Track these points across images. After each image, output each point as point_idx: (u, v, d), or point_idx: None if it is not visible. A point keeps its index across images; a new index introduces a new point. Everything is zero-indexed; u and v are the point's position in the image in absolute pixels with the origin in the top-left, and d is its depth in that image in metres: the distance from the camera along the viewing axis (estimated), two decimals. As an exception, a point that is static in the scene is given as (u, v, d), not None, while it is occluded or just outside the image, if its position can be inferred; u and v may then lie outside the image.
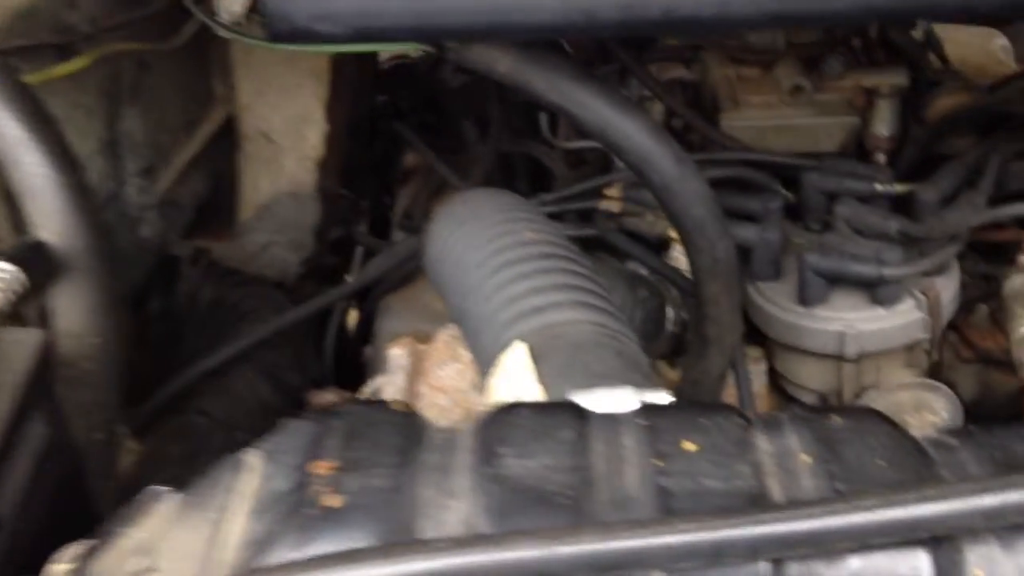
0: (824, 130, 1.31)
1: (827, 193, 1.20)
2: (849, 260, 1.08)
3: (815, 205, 1.21)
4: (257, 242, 1.37)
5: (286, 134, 1.29)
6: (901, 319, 1.09)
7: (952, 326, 1.23)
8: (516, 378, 0.60)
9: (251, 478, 0.50)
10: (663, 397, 0.56)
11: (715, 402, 0.58)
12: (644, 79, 1.37)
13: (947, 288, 1.11)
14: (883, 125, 1.31)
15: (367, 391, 1.03)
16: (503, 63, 0.88)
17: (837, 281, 1.11)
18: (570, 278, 0.69)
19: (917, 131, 1.32)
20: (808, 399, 1.21)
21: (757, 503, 0.43)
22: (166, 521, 0.54)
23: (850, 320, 1.10)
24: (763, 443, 0.47)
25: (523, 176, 1.47)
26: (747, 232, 1.17)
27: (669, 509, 0.42)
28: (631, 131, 0.91)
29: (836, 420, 0.48)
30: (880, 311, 1.10)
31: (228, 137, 1.29)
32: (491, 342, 0.66)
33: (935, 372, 1.23)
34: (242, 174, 1.32)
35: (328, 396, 1.11)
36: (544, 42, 0.88)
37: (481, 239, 0.72)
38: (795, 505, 0.41)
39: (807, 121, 1.31)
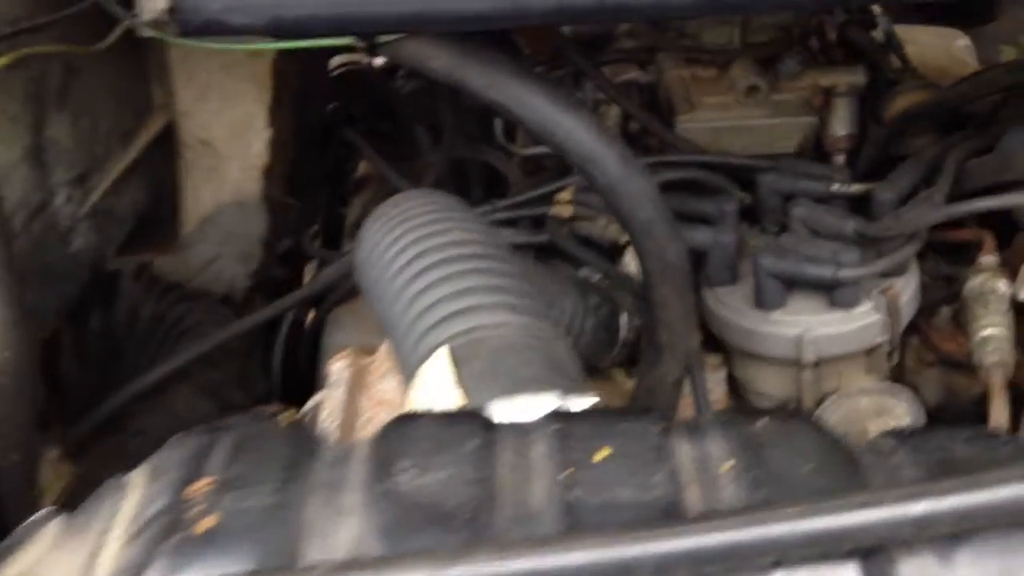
0: (781, 131, 1.28)
1: (783, 194, 1.17)
2: (805, 262, 1.05)
3: (771, 207, 1.18)
4: (202, 255, 1.32)
5: (229, 142, 1.25)
6: (859, 322, 1.06)
7: (914, 329, 1.20)
8: (436, 386, 0.57)
9: (133, 498, 0.45)
10: (588, 402, 0.53)
11: (636, 406, 0.54)
12: (598, 81, 1.34)
13: (906, 289, 1.08)
14: (841, 125, 1.28)
15: (308, 407, 0.99)
16: (438, 59, 0.85)
17: (794, 284, 1.08)
18: (498, 280, 0.65)
19: (876, 131, 1.30)
20: (769, 407, 1.18)
21: (672, 514, 0.39)
22: (48, 547, 0.50)
23: (808, 324, 1.07)
24: (683, 449, 0.43)
25: (478, 182, 1.44)
26: (702, 235, 1.14)
27: (576, 523, 0.39)
28: (574, 130, 0.88)
29: (762, 424, 0.44)
30: (838, 314, 1.06)
31: (168, 145, 1.24)
32: (413, 349, 0.62)
33: (897, 376, 1.20)
34: (184, 184, 1.27)
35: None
36: (483, 37, 0.85)
37: (406, 241, 0.68)
38: (711, 516, 0.38)
39: (764, 122, 1.28)
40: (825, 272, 1.04)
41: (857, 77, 1.27)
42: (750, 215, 1.21)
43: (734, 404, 1.21)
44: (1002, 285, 1.05)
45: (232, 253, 1.33)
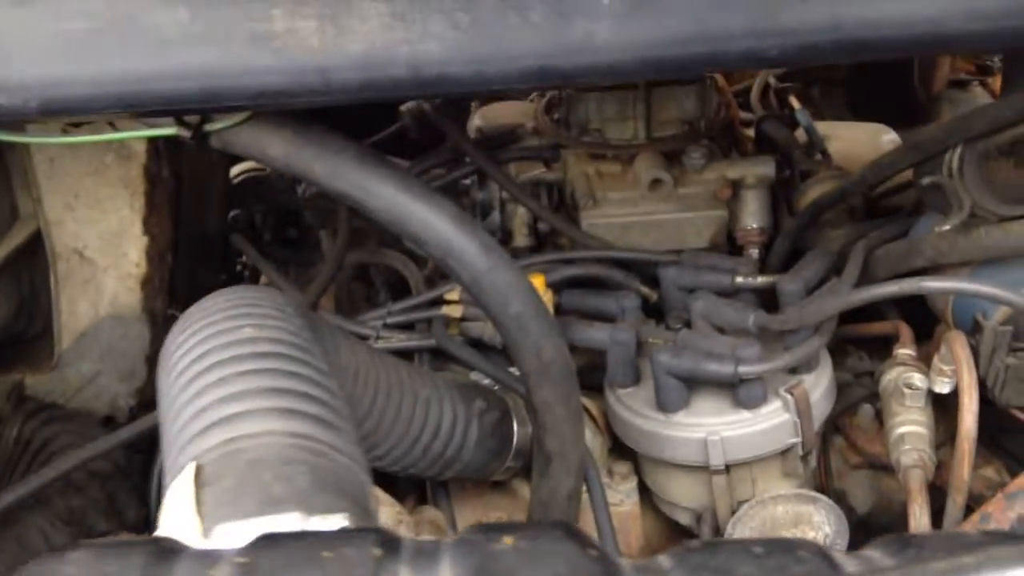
0: (690, 225, 1.22)
1: (686, 289, 1.10)
2: (704, 358, 0.97)
3: (675, 302, 1.11)
4: (81, 373, 1.23)
5: (103, 251, 1.17)
6: (767, 422, 0.98)
7: (837, 429, 1.12)
8: (178, 509, 0.48)
9: None
10: (337, 522, 0.44)
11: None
12: (500, 180, 1.29)
13: (817, 386, 1.00)
14: (751, 217, 1.23)
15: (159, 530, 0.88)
16: (275, 147, 0.79)
17: (696, 383, 1.00)
18: (282, 381, 0.57)
19: (790, 223, 1.24)
20: (683, 518, 1.08)
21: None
22: None
23: (712, 426, 0.98)
24: (403, 580, 0.34)
25: (384, 286, 1.37)
26: (598, 333, 1.06)
27: None
28: (429, 219, 0.81)
29: (506, 543, 0.35)
30: (744, 414, 0.98)
31: (37, 256, 1.17)
32: (172, 464, 0.53)
33: (825, 480, 1.10)
34: (58, 297, 1.19)
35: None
36: (323, 122, 0.79)
37: (192, 343, 0.60)
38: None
39: (671, 216, 1.23)
40: (725, 369, 0.96)
41: (765, 169, 1.22)
42: (657, 312, 1.14)
43: (651, 517, 1.11)
44: (918, 379, 0.97)
45: (112, 370, 1.24)
